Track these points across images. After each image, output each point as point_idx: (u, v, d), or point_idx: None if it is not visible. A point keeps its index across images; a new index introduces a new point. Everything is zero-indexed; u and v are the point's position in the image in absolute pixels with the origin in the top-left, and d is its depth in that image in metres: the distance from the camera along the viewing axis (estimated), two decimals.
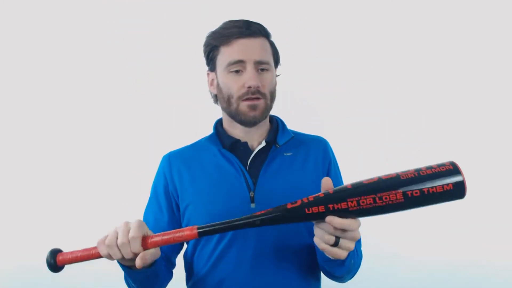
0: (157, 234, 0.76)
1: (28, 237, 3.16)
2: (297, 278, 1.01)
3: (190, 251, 1.07)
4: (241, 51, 0.99)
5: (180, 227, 1.06)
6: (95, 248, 0.76)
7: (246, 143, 1.07)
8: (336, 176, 1.11)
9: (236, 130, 1.09)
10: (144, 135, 3.10)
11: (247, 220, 0.75)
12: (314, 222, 0.76)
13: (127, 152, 3.11)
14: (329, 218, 0.71)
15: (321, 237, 0.74)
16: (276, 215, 0.74)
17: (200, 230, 0.75)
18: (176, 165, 1.09)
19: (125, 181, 3.01)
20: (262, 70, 1.02)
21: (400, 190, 0.69)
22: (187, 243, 1.08)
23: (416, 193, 0.69)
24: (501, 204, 3.09)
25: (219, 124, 1.16)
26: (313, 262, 1.05)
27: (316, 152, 1.11)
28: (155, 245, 0.75)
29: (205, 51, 1.08)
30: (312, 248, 1.05)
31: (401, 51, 3.11)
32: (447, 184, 0.68)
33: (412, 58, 3.12)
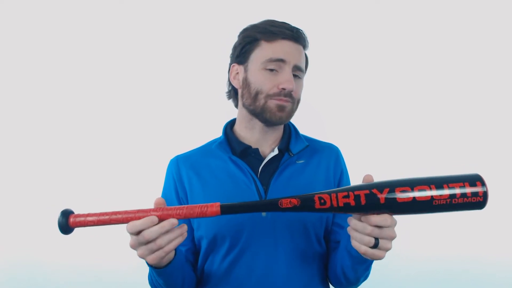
0: (176, 207, 0.75)
1: (24, 234, 3.16)
2: (308, 286, 1.00)
3: (200, 260, 1.04)
4: (284, 51, 0.97)
5: (193, 233, 1.06)
6: (113, 213, 0.74)
7: (257, 149, 1.05)
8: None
9: (252, 133, 1.06)
10: (145, 136, 3.10)
11: (271, 205, 0.76)
12: (350, 224, 0.78)
13: (129, 153, 3.11)
14: (364, 218, 0.73)
15: (360, 240, 0.74)
16: (301, 208, 0.75)
17: (223, 208, 0.76)
18: (185, 170, 1.06)
19: (127, 182, 3.01)
20: (296, 76, 0.99)
21: (428, 213, 0.73)
22: (198, 250, 1.06)
23: (441, 210, 0.73)
24: (501, 201, 3.10)
25: (228, 127, 1.12)
26: (322, 271, 1.05)
27: (328, 161, 1.09)
28: (177, 217, 0.75)
29: (241, 42, 1.03)
30: (322, 256, 1.05)
31: (407, 54, 3.11)
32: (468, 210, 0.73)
33: (417, 61, 3.12)
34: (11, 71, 3.17)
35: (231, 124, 1.14)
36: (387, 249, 0.75)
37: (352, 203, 0.72)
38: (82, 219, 0.73)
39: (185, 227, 0.77)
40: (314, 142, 1.15)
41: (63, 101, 3.17)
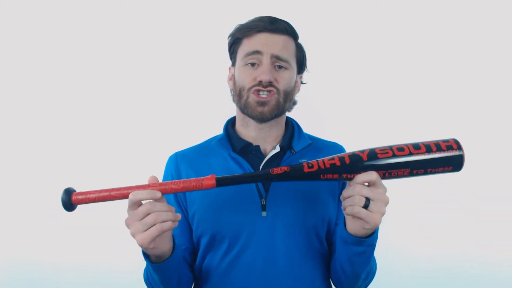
0: (172, 181, 0.79)
1: (24, 234, 3.16)
2: (309, 286, 0.99)
3: (199, 258, 1.04)
4: (260, 43, 0.97)
5: (191, 232, 1.05)
6: (113, 189, 0.77)
7: (258, 147, 1.03)
8: None
9: (248, 130, 1.05)
10: (144, 132, 3.09)
11: (264, 175, 0.81)
12: (342, 195, 0.82)
13: (128, 150, 3.10)
14: (352, 181, 0.77)
15: (352, 201, 0.76)
16: (292, 175, 0.79)
17: (219, 179, 0.79)
18: (184, 168, 1.05)
19: (126, 178, 3.00)
20: (280, 67, 0.98)
21: (408, 169, 0.78)
22: (197, 251, 1.05)
23: (420, 172, 0.78)
24: (502, 200, 3.10)
25: (229, 125, 1.11)
26: (324, 271, 1.05)
27: None
28: (175, 191, 0.80)
29: (228, 43, 1.07)
30: (323, 256, 1.04)
31: (408, 54, 3.11)
32: (448, 167, 0.77)
33: (418, 60, 3.12)
34: (7, 71, 3.17)
35: (232, 122, 1.14)
36: (381, 212, 0.76)
37: (338, 163, 0.77)
38: (83, 196, 0.77)
39: (178, 215, 0.78)
40: (318, 140, 1.14)
41: (60, 100, 3.17)
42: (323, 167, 0.77)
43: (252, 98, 0.97)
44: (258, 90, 0.96)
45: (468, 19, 3.07)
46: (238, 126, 1.09)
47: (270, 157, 1.02)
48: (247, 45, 0.99)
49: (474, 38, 3.09)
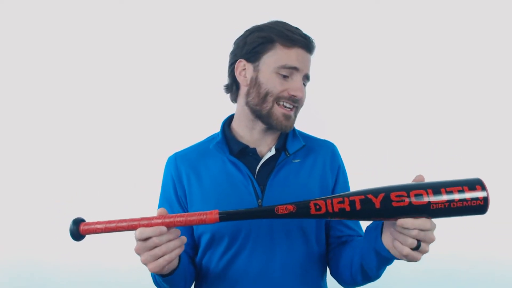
0: (177, 215, 0.78)
1: (24, 234, 3.16)
2: (305, 284, 1.00)
3: (200, 254, 1.04)
4: (299, 60, 0.97)
5: (193, 231, 1.06)
6: (119, 221, 0.78)
7: (254, 149, 1.04)
8: (344, 183, 1.10)
9: (252, 133, 1.05)
10: (145, 134, 3.10)
11: (267, 212, 0.78)
12: (402, 225, 0.74)
13: (126, 149, 3.11)
14: (400, 221, 0.72)
15: (404, 241, 0.74)
16: (297, 215, 0.76)
17: (222, 215, 0.78)
18: (184, 169, 1.06)
19: (125, 178, 3.01)
20: (304, 84, 1.01)
21: (426, 216, 0.71)
22: (198, 244, 1.07)
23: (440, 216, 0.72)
24: (502, 200, 3.10)
25: (226, 125, 1.11)
26: (319, 267, 1.05)
27: (324, 158, 1.09)
28: (179, 225, 0.78)
29: (254, 41, 1.00)
30: (319, 253, 1.05)
31: (407, 53, 3.11)
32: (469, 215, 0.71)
33: (416, 61, 3.12)
34: (9, 72, 3.18)
35: (228, 121, 1.14)
36: (425, 252, 0.76)
37: (347, 208, 0.73)
38: (91, 226, 0.77)
39: (184, 238, 0.80)
40: (310, 139, 1.15)
41: (62, 102, 3.18)
42: (331, 211, 0.73)
43: (279, 111, 0.98)
44: (284, 103, 0.96)
45: (469, 25, 3.07)
46: (240, 126, 1.08)
47: (266, 159, 1.02)
48: (285, 56, 0.97)
49: (470, 41, 3.10)
